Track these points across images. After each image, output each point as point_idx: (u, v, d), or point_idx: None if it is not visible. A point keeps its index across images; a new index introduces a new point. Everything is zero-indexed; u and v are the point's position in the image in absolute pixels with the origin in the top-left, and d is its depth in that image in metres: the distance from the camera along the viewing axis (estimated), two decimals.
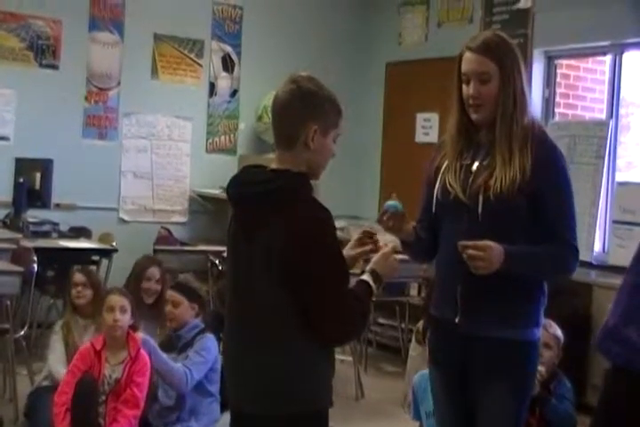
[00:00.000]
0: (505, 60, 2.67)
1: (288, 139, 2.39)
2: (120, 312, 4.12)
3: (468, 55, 2.70)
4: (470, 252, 2.55)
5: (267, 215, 2.34)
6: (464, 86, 2.72)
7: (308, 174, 2.41)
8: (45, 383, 4.49)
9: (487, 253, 2.54)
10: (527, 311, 2.71)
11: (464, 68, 2.70)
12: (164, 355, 4.14)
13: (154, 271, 4.91)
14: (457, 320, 2.72)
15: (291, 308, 2.32)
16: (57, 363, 4.46)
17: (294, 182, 2.37)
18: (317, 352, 2.39)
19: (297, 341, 2.34)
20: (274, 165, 2.42)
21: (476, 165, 2.72)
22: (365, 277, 2.49)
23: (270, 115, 2.47)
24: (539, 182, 2.62)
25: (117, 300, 4.16)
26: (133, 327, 4.24)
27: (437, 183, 2.79)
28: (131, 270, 5.07)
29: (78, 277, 4.74)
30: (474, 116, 2.72)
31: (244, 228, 2.42)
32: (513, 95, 2.67)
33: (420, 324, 4.57)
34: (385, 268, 2.53)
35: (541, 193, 2.63)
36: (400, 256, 2.63)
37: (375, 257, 2.56)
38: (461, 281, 2.69)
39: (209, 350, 4.21)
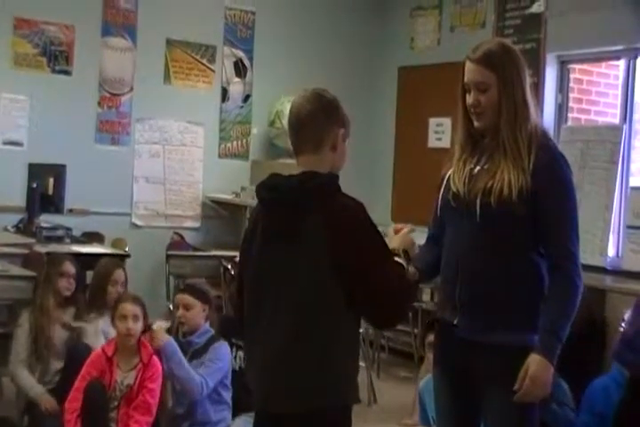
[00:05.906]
0: (504, 69, 2.70)
1: (315, 143, 2.54)
2: (133, 321, 4.10)
3: (468, 65, 2.75)
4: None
5: (308, 213, 2.44)
6: (467, 95, 2.77)
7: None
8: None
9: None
10: (526, 316, 2.69)
11: (465, 77, 2.76)
12: (186, 361, 4.12)
13: (120, 275, 4.78)
14: (455, 322, 2.73)
15: (341, 299, 2.41)
16: (18, 364, 4.37)
17: (330, 179, 2.51)
18: (354, 349, 2.53)
19: (341, 331, 2.45)
20: (302, 168, 2.53)
21: (477, 169, 2.76)
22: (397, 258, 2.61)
23: (291, 123, 2.58)
24: (539, 189, 2.63)
25: (130, 308, 4.13)
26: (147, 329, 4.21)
27: (442, 189, 2.85)
28: (94, 271, 4.91)
29: (69, 267, 4.65)
30: (476, 124, 2.78)
31: (283, 229, 2.49)
32: (514, 104, 2.70)
33: None
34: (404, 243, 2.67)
35: (541, 200, 2.64)
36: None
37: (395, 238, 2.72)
38: (460, 283, 2.72)
39: (224, 357, 4.19)
